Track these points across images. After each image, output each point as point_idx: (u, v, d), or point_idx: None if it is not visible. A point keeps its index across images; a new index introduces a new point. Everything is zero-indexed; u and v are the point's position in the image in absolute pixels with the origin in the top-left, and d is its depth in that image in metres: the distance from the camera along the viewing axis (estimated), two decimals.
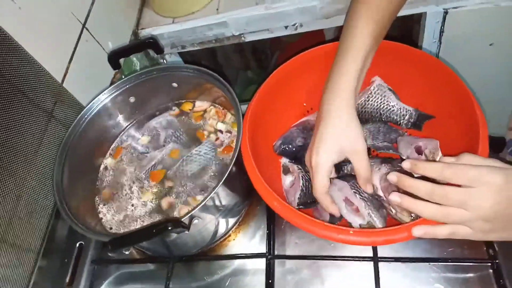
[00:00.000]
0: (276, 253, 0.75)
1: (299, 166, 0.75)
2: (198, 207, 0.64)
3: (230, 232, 0.80)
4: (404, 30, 1.16)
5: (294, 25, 1.09)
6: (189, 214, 0.64)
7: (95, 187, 0.86)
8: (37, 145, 0.79)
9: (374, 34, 0.65)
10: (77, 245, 0.86)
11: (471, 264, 0.66)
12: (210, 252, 0.80)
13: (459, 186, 0.50)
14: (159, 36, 1.10)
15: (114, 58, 0.86)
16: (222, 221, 0.76)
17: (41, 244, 0.79)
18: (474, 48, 1.14)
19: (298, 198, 0.72)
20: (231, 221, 0.79)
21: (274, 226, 0.78)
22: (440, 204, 0.51)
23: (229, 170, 0.66)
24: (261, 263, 0.74)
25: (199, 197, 0.78)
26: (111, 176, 0.87)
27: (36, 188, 0.79)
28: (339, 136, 0.62)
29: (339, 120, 0.63)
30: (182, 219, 0.63)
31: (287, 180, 0.77)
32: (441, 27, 1.12)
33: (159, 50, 0.84)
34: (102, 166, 0.89)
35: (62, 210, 0.70)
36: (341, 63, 0.65)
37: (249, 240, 0.80)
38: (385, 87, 0.77)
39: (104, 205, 0.83)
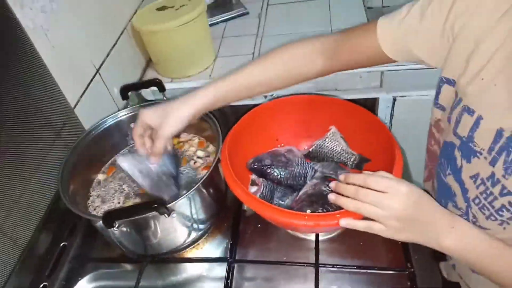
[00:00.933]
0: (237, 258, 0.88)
1: (264, 179, 0.92)
2: (179, 200, 0.79)
3: (199, 241, 0.93)
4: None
5: (271, 95, 1.32)
6: (171, 204, 0.77)
7: (87, 194, 1.00)
8: (42, 157, 0.92)
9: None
10: (61, 245, 0.96)
11: (393, 272, 0.82)
12: (179, 256, 0.92)
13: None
14: None
15: (124, 91, 1.06)
16: (194, 225, 0.89)
17: (29, 239, 0.88)
18: (418, 131, 1.35)
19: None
20: (201, 227, 0.92)
21: (238, 237, 0.91)
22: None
23: (205, 176, 0.83)
24: (223, 270, 0.86)
25: None
26: (103, 187, 1.01)
27: (36, 191, 0.91)
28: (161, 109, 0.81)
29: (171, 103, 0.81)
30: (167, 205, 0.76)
31: (252, 189, 0.93)
32: (391, 111, 1.35)
33: (163, 88, 1.04)
34: (95, 180, 1.03)
35: (63, 196, 0.83)
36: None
37: (214, 250, 0.92)
38: (338, 135, 0.98)
39: (94, 209, 0.96)
